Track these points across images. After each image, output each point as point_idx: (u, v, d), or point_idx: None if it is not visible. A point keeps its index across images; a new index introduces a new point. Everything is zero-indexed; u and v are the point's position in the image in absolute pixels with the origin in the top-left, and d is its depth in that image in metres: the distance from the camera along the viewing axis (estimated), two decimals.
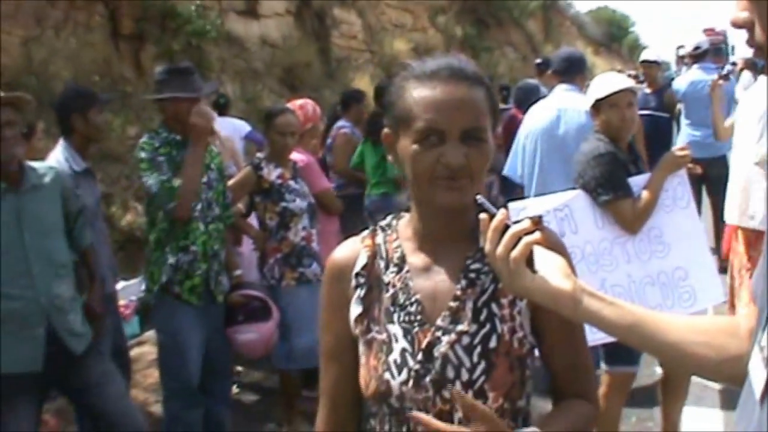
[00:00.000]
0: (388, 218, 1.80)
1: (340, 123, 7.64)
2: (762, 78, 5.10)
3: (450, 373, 1.60)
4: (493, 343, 1.61)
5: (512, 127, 7.41)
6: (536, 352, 1.68)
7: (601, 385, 4.00)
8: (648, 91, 9.06)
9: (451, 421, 1.59)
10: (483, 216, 1.47)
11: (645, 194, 3.82)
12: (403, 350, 1.63)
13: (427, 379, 1.60)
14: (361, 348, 1.69)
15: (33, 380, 3.57)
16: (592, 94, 4.05)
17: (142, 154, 4.13)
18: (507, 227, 1.43)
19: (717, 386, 4.92)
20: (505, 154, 6.12)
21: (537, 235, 1.42)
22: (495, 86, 10.47)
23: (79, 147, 4.61)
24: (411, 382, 1.60)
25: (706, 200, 8.06)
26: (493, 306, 1.64)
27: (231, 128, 7.90)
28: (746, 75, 10.90)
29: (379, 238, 1.75)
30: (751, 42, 1.24)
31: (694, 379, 3.99)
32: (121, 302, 5.64)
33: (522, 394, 1.65)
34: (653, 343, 1.44)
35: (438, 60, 1.66)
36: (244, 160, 6.92)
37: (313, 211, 5.05)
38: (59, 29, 9.66)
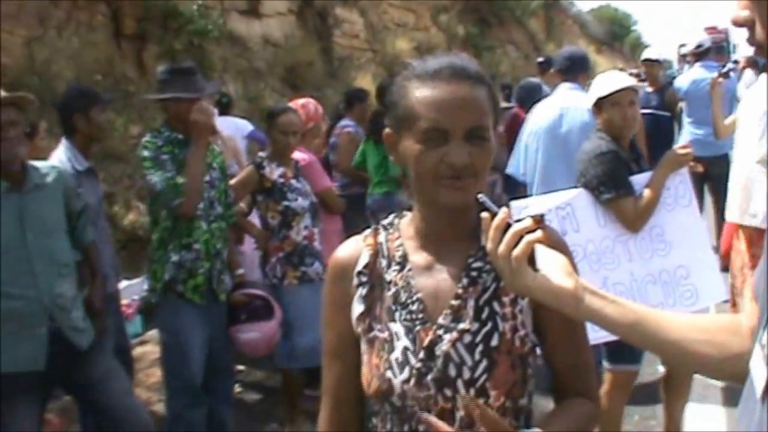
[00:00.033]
0: (390, 217, 1.80)
1: (344, 122, 7.65)
2: (763, 76, 5.10)
3: (452, 371, 1.60)
4: (494, 342, 1.61)
5: (515, 126, 7.41)
6: (538, 351, 1.68)
7: (604, 384, 4.00)
8: (649, 89, 9.04)
9: (453, 420, 1.60)
10: (485, 215, 1.47)
11: (647, 193, 3.82)
12: (405, 348, 1.63)
13: (429, 377, 1.60)
14: (363, 346, 1.70)
15: (36, 379, 3.58)
16: (593, 93, 4.05)
17: (146, 153, 4.14)
18: (509, 226, 1.43)
19: (719, 383, 4.92)
20: (508, 153, 6.13)
21: (539, 233, 1.42)
22: (497, 85, 10.49)
23: (81, 146, 4.61)
24: (413, 381, 1.61)
25: (708, 199, 8.06)
26: (495, 304, 1.64)
27: (233, 127, 7.90)
28: (749, 73, 10.90)
29: (382, 237, 1.76)
30: (751, 40, 1.24)
31: (697, 376, 3.99)
32: (124, 301, 5.64)
33: (524, 393, 1.65)
34: (655, 341, 1.45)
35: (439, 59, 1.65)
36: (247, 159, 6.92)
37: (315, 210, 5.06)
38: (62, 29, 9.67)
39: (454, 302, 1.64)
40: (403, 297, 1.67)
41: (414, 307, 1.65)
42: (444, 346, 1.61)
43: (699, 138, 7.90)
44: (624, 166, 3.87)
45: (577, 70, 5.49)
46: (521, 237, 1.42)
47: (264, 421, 5.40)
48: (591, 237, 3.80)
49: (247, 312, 4.54)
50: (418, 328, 1.64)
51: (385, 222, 1.79)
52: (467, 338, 1.61)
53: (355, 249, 1.77)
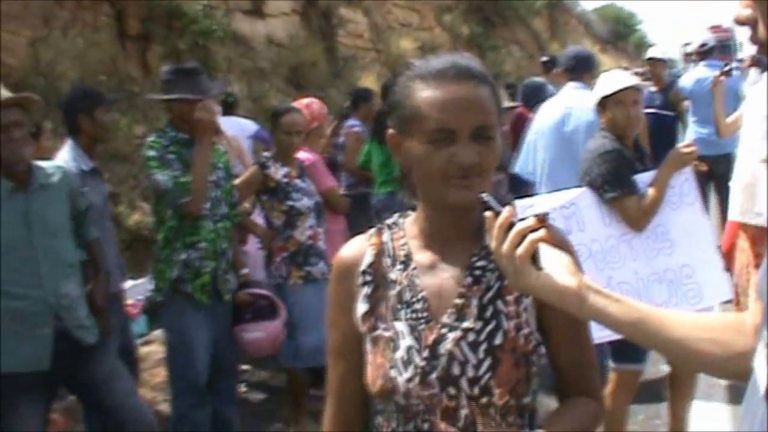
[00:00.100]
0: (394, 216, 1.80)
1: (351, 122, 7.66)
2: (764, 75, 5.09)
3: (456, 369, 1.60)
4: (498, 340, 1.61)
5: (520, 125, 7.43)
6: (542, 350, 1.68)
7: (608, 383, 4.00)
8: (653, 89, 9.01)
9: (457, 418, 1.60)
10: (488, 214, 1.47)
11: (651, 191, 3.82)
12: (409, 347, 1.63)
13: (433, 375, 1.61)
14: (368, 345, 1.70)
15: (41, 379, 3.58)
16: (597, 92, 4.05)
17: (151, 153, 4.15)
18: (512, 225, 1.43)
19: (724, 382, 4.91)
20: (513, 152, 6.13)
21: (542, 232, 1.42)
22: (501, 84, 10.48)
23: (86, 147, 4.62)
24: (417, 379, 1.61)
25: (712, 198, 8.05)
26: (499, 303, 1.64)
27: (238, 128, 7.90)
28: (754, 72, 10.88)
29: (386, 236, 1.76)
30: (753, 39, 1.25)
31: (702, 375, 3.99)
32: (129, 301, 5.65)
33: (528, 391, 1.65)
34: (658, 339, 1.44)
35: (442, 59, 1.66)
36: (252, 159, 6.93)
37: (320, 210, 5.06)
38: (66, 30, 9.68)
39: (458, 301, 1.64)
40: (407, 296, 1.67)
41: (418, 306, 1.66)
42: (448, 345, 1.62)
43: (703, 137, 7.88)
44: (628, 165, 3.87)
45: (583, 70, 5.50)
46: (525, 236, 1.42)
47: (269, 421, 5.40)
48: (596, 236, 3.80)
49: (252, 312, 4.55)
50: (422, 326, 1.64)
51: (389, 221, 1.80)
52: (471, 337, 1.61)
53: (359, 248, 1.77)
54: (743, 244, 4.24)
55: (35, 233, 3.55)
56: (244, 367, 5.96)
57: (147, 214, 8.08)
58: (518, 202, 3.86)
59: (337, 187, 6.05)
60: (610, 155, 3.84)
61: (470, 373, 1.60)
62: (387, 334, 1.67)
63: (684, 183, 3.91)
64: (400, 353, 1.64)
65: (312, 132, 5.56)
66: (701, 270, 3.83)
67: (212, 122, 4.20)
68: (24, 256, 3.52)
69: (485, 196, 1.51)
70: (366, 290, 1.72)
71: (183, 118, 4.20)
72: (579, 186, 3.93)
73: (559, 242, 1.54)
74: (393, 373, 1.63)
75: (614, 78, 4.06)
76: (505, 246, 1.43)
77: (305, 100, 5.81)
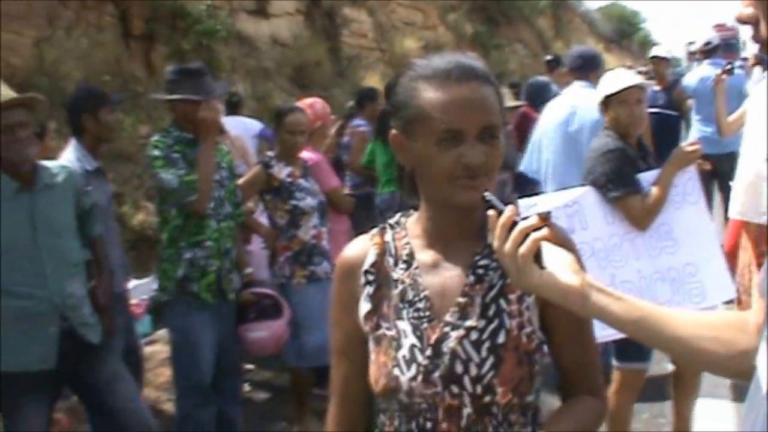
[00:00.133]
0: (397, 216, 1.81)
1: (356, 121, 7.66)
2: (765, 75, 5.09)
3: (458, 368, 1.60)
4: (501, 339, 1.61)
5: (524, 124, 7.43)
6: (545, 348, 1.68)
7: (613, 382, 4.00)
8: (657, 88, 8.99)
9: (460, 417, 1.60)
10: (491, 213, 1.47)
11: (654, 190, 3.82)
12: (412, 346, 1.64)
13: (436, 374, 1.61)
14: (371, 345, 1.70)
15: (45, 378, 3.59)
16: (601, 91, 4.05)
17: (156, 152, 4.16)
18: (515, 224, 1.44)
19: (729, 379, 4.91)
20: (518, 151, 6.13)
21: (545, 231, 1.42)
22: (505, 83, 10.47)
23: (90, 147, 4.63)
24: (420, 378, 1.61)
25: (717, 197, 8.04)
26: (501, 302, 1.64)
27: (242, 127, 7.92)
28: (758, 70, 10.85)
29: (388, 236, 1.76)
30: (756, 37, 1.25)
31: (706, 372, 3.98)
32: (133, 301, 5.66)
33: (531, 390, 1.65)
34: (661, 338, 1.44)
35: (445, 58, 1.65)
36: (256, 158, 6.94)
37: (324, 210, 5.06)
38: (70, 30, 9.70)
39: (460, 300, 1.64)
40: (410, 295, 1.67)
41: (421, 305, 1.66)
42: (451, 343, 1.62)
43: (707, 135, 7.86)
44: (631, 164, 3.87)
45: (589, 69, 5.52)
46: (527, 235, 1.42)
47: (273, 420, 5.41)
48: (599, 235, 3.80)
49: (256, 311, 4.55)
50: (425, 325, 1.64)
51: (391, 221, 1.80)
52: (474, 335, 1.62)
53: (362, 248, 1.77)
54: (746, 243, 4.23)
55: (40, 233, 3.56)
56: (248, 366, 5.97)
57: (151, 213, 8.09)
58: (522, 201, 3.87)
59: (340, 186, 6.05)
60: (613, 154, 3.84)
61: (473, 371, 1.60)
62: (390, 333, 1.67)
63: (687, 182, 3.90)
64: (403, 352, 1.64)
65: (315, 131, 5.56)
66: (704, 269, 3.83)
67: (216, 122, 4.21)
68: (29, 255, 3.53)
69: (488, 195, 1.51)
70: (369, 290, 1.72)
71: (187, 118, 4.21)
72: (582, 184, 3.93)
73: (562, 241, 1.54)
74: (396, 371, 1.64)
75: (617, 77, 4.06)
76: (508, 245, 1.43)
77: (308, 100, 5.81)
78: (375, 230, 1.80)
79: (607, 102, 3.98)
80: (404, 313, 1.67)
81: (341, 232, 5.48)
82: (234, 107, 8.64)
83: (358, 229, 1.96)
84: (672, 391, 4.29)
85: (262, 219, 5.19)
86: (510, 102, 7.13)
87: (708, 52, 9.04)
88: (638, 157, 3.96)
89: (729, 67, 7.01)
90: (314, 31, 15.20)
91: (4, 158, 3.52)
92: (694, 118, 8.71)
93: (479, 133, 1.58)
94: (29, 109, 3.62)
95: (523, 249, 1.42)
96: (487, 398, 1.60)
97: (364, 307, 1.72)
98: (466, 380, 1.60)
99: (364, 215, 6.39)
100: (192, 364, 4.25)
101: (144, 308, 6.10)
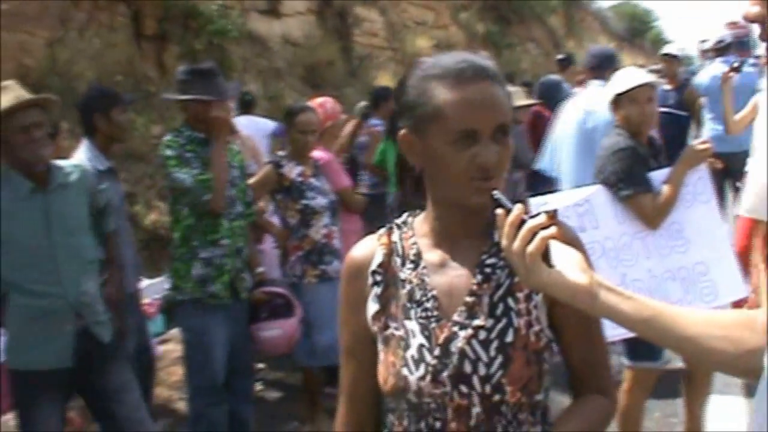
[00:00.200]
0: (404, 216, 1.80)
1: (373, 121, 7.66)
2: None
3: (467, 367, 1.60)
4: (509, 338, 1.61)
5: (537, 123, 7.43)
6: (554, 347, 1.68)
7: (624, 381, 3.99)
8: (667, 87, 8.91)
9: (469, 416, 1.61)
10: (499, 211, 1.47)
11: (665, 189, 3.81)
12: (421, 346, 1.64)
13: (445, 374, 1.61)
14: (379, 345, 1.71)
15: (61, 377, 3.61)
16: (611, 89, 4.05)
17: (169, 152, 4.18)
18: (523, 222, 1.43)
19: None
20: (532, 150, 6.14)
21: (553, 229, 1.41)
22: (518, 82, 10.45)
23: (102, 146, 4.65)
24: (428, 378, 1.62)
25: (729, 195, 8.00)
26: (509, 300, 1.64)
27: (254, 127, 7.92)
28: None
29: (395, 236, 1.77)
30: (763, 36, 1.25)
31: None
32: (146, 300, 5.68)
33: (540, 388, 1.65)
34: (671, 337, 1.44)
35: (454, 57, 1.64)
36: (269, 157, 6.94)
37: (335, 209, 5.07)
38: (83, 30, 9.73)
39: (468, 299, 1.64)
40: (417, 295, 1.68)
41: (429, 305, 1.66)
42: (459, 343, 1.62)
43: (719, 134, 7.80)
44: (642, 163, 3.86)
45: (605, 68, 5.52)
46: (535, 233, 1.41)
47: (284, 420, 5.42)
48: (609, 234, 3.80)
49: (268, 310, 4.57)
50: (433, 325, 1.64)
51: (398, 221, 1.80)
52: (482, 334, 1.62)
53: (369, 248, 1.78)
54: (757, 242, 4.22)
55: (55, 232, 3.58)
56: (260, 365, 5.98)
57: (164, 213, 8.11)
58: (532, 200, 3.87)
59: (351, 186, 6.05)
60: (624, 153, 3.83)
61: (482, 371, 1.60)
62: (398, 333, 1.67)
63: (699, 180, 3.89)
64: (411, 352, 1.64)
65: (326, 131, 5.57)
66: (716, 268, 3.82)
67: (227, 121, 4.23)
68: (44, 254, 3.55)
69: (496, 194, 1.50)
70: (377, 290, 1.72)
71: (198, 118, 4.23)
72: (593, 183, 3.93)
73: (570, 239, 1.54)
74: (404, 371, 1.64)
75: (628, 75, 4.05)
76: (516, 243, 1.42)
77: (319, 99, 5.82)
78: (382, 230, 1.80)
79: (618, 100, 3.98)
80: (412, 312, 1.67)
81: (352, 232, 5.48)
82: (247, 106, 8.64)
83: (371, 229, 1.96)
84: (684, 390, 4.28)
85: (274, 218, 5.20)
86: (522, 101, 7.11)
87: (721, 50, 8.98)
88: (649, 155, 3.95)
89: (736, 65, 6.98)
90: (326, 31, 15.21)
91: (19, 158, 3.54)
92: (707, 116, 8.65)
93: (493, 132, 1.58)
94: (43, 110, 3.64)
95: (531, 247, 1.41)
96: (496, 397, 1.60)
97: (372, 307, 1.72)
98: (475, 380, 1.60)
99: (380, 215, 6.39)
100: (204, 363, 4.27)
101: (157, 307, 6.12)
